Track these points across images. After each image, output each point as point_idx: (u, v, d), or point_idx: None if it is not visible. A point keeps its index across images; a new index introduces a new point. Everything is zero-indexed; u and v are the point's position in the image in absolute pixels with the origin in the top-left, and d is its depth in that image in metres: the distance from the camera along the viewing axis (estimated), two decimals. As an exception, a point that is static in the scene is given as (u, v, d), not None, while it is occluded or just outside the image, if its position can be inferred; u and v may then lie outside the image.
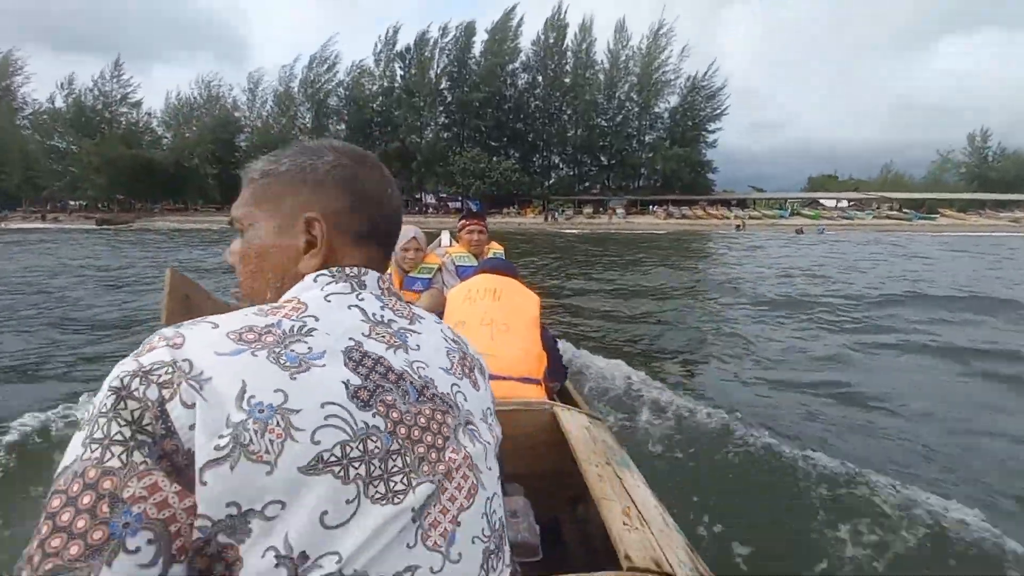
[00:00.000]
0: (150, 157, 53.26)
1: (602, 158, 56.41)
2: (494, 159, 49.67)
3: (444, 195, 54.82)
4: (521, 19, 54.82)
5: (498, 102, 54.83)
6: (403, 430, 0.49)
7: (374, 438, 0.47)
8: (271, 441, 0.41)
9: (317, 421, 0.44)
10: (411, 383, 0.53)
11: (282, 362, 0.46)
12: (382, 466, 0.46)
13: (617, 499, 1.11)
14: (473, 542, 0.51)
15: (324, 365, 0.48)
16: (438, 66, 54.51)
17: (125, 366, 0.42)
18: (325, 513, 0.42)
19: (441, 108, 55.34)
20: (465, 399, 0.59)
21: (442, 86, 54.84)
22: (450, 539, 0.49)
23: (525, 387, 1.73)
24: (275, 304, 0.54)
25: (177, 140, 55.36)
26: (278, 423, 0.42)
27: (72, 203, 57.11)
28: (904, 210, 49.69)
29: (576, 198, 54.64)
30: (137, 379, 0.41)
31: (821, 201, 54.84)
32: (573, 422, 1.51)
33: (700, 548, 1.26)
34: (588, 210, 49.76)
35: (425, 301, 2.59)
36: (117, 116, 57.69)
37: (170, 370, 0.42)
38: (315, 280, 0.56)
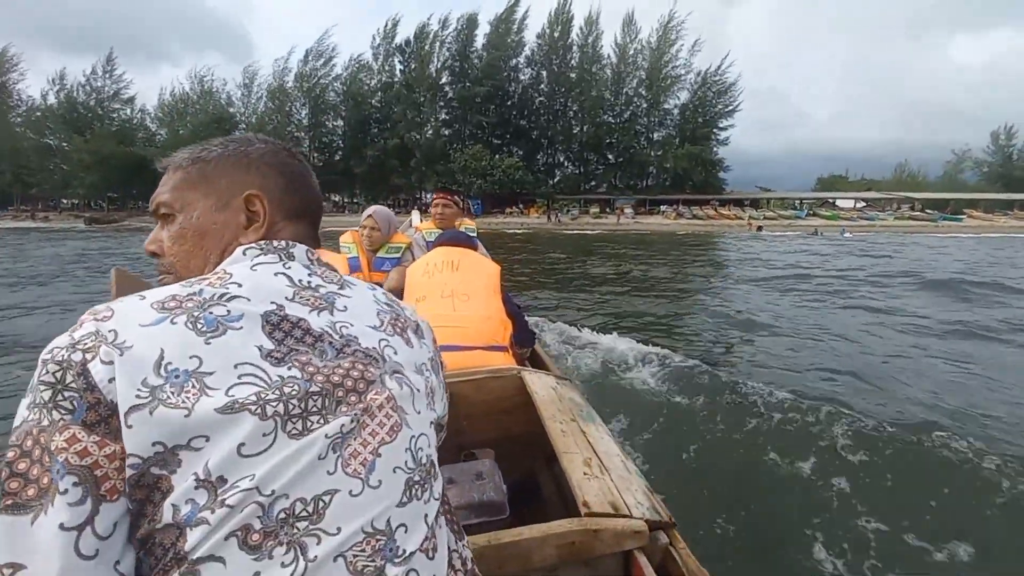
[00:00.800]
0: (142, 155, 51.56)
1: (609, 156, 54.30)
2: (496, 157, 47.70)
3: (445, 194, 52.90)
4: (526, 12, 52.97)
5: (501, 98, 52.84)
6: (321, 377, 0.53)
7: (291, 384, 0.51)
8: (187, 397, 0.46)
9: (231, 380, 0.48)
10: (330, 343, 0.57)
11: (199, 327, 0.50)
12: (301, 406, 0.50)
13: (580, 451, 1.16)
14: (395, 471, 0.55)
15: (240, 328, 0.52)
16: (439, 60, 52.58)
17: (57, 341, 0.48)
18: (243, 444, 0.47)
19: (442, 104, 53.39)
20: (395, 352, 0.63)
21: (443, 81, 52.88)
22: (370, 467, 0.53)
23: (492, 355, 1.74)
24: (202, 276, 0.57)
25: (170, 137, 53.65)
26: (193, 384, 0.47)
27: (64, 202, 55.72)
28: (927, 211, 47.34)
29: (582, 197, 52.57)
30: (64, 350, 0.47)
31: (835, 201, 52.50)
32: (540, 384, 1.56)
33: (667, 492, 1.35)
34: (595, 210, 47.69)
35: (394, 278, 2.54)
36: (109, 113, 56.15)
37: (94, 338, 0.47)
38: (244, 253, 0.60)
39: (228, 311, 0.52)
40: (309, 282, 0.61)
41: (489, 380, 1.61)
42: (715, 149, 51.57)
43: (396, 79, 53.97)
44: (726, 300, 8.51)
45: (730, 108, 51.89)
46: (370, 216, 2.81)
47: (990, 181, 59.88)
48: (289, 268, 0.61)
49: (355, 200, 58.35)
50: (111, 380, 0.46)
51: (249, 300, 0.55)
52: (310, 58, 54.23)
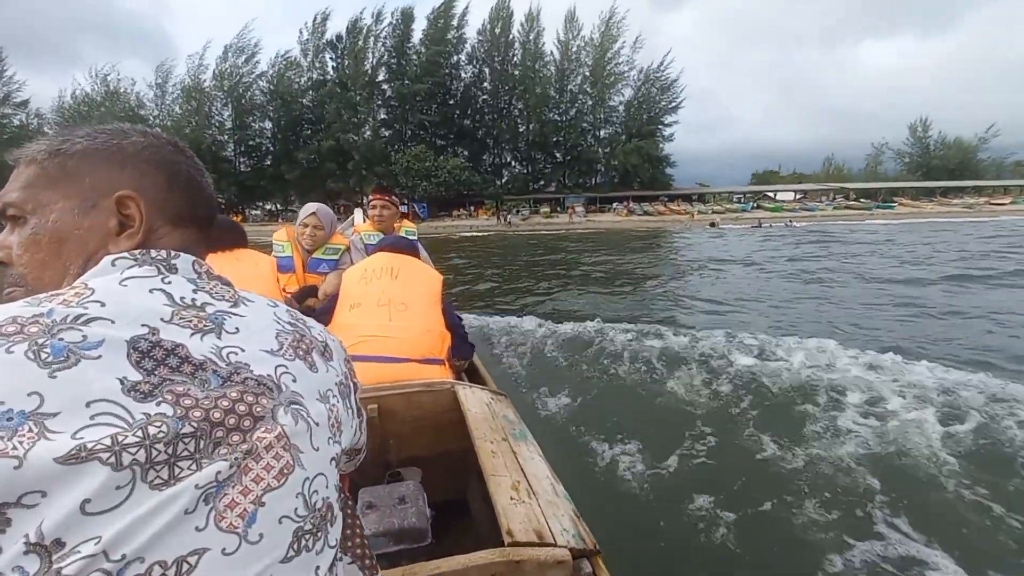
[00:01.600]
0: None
1: (557, 155, 53.20)
2: (441, 157, 45.39)
3: (388, 198, 49.96)
4: (466, 8, 50.99)
5: (443, 96, 50.60)
6: (198, 413, 0.45)
7: (158, 423, 0.43)
8: (20, 441, 0.38)
9: (81, 421, 0.40)
10: (214, 371, 0.49)
11: (43, 356, 0.41)
12: (168, 450, 0.43)
13: (508, 474, 1.14)
14: (280, 522, 0.48)
15: (99, 357, 0.43)
16: (374, 56, 49.70)
17: None
18: (88, 501, 0.39)
19: (379, 102, 50.44)
20: (294, 379, 0.55)
21: (379, 78, 50.02)
22: (250, 519, 0.46)
23: (426, 368, 1.68)
24: (54, 292, 0.48)
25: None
26: (30, 428, 0.39)
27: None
28: (861, 200, 49.22)
29: (531, 197, 51.16)
30: None
31: (775, 195, 53.77)
32: (474, 399, 1.51)
33: (595, 514, 1.30)
34: (545, 209, 46.36)
35: (332, 282, 2.41)
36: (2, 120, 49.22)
37: None
38: (113, 264, 0.51)
39: (84, 336, 0.43)
40: (193, 300, 0.52)
41: (421, 394, 1.55)
42: (661, 145, 51.58)
43: (328, 77, 50.52)
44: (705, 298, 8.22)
45: (674, 104, 52.18)
46: (313, 214, 2.61)
47: (911, 171, 63.56)
48: (169, 283, 0.52)
49: (290, 208, 54.22)
50: None
51: (113, 323, 0.46)
52: (229, 54, 49.88)
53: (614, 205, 46.95)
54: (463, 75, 52.67)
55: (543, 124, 50.59)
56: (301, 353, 0.58)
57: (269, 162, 50.66)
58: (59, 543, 0.38)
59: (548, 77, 51.32)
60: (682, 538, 2.21)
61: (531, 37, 51.82)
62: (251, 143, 51.34)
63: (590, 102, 52.40)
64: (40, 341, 0.42)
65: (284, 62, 50.73)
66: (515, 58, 52.11)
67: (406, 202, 48.05)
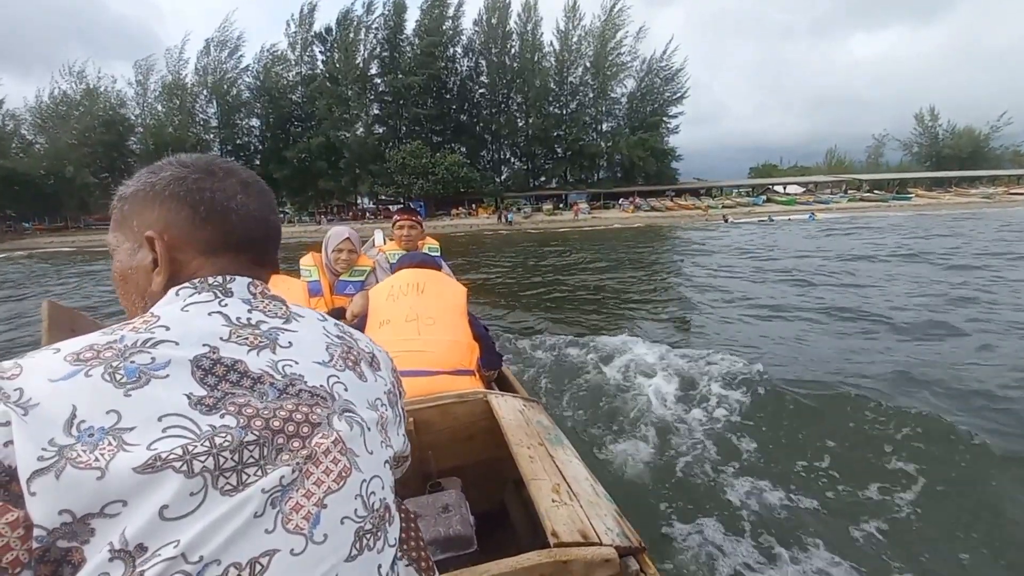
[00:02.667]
0: (10, 168, 43.04)
1: (558, 149, 51.15)
2: (437, 154, 43.28)
3: (383, 197, 47.76)
4: (460, -2, 48.71)
5: (439, 90, 48.42)
6: (259, 423, 0.49)
7: (223, 434, 0.46)
8: (101, 454, 0.41)
9: (154, 434, 0.44)
10: (271, 384, 0.52)
11: (118, 378, 0.45)
12: (235, 458, 0.46)
13: (548, 478, 1.14)
14: (342, 523, 0.51)
15: (167, 376, 0.47)
16: (365, 49, 47.51)
17: None
18: (166, 507, 0.42)
19: (372, 97, 48.23)
20: (345, 389, 0.58)
21: (371, 71, 47.85)
22: (314, 521, 0.48)
23: (458, 379, 1.70)
24: (126, 321, 0.53)
25: (51, 146, 45.22)
26: (109, 442, 0.42)
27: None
28: (875, 191, 47.49)
29: (533, 194, 49.11)
30: None
31: (785, 187, 51.95)
32: (507, 407, 1.52)
33: (637, 513, 1.37)
34: (548, 206, 44.15)
35: (359, 303, 2.41)
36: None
37: None
38: (177, 294, 0.55)
39: (152, 358, 0.48)
40: (249, 319, 0.56)
41: (454, 405, 1.57)
42: (666, 138, 49.64)
43: (318, 71, 48.30)
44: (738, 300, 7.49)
45: (678, 95, 50.13)
46: (347, 239, 2.68)
47: (919, 161, 61.90)
48: (225, 306, 0.56)
49: (282, 210, 51.99)
50: (7, 443, 0.41)
51: (177, 344, 0.50)
52: (211, 48, 47.56)
53: (620, 201, 44.90)
54: (459, 68, 50.49)
55: (544, 118, 48.46)
56: (351, 363, 0.61)
57: (258, 162, 48.39)
58: (142, 548, 0.41)
59: (547, 69, 49.17)
60: (725, 534, 2.16)
61: (529, 28, 49.64)
62: (238, 142, 49.04)
63: (591, 94, 50.35)
64: (115, 364, 0.46)
65: (270, 56, 48.49)
66: (513, 49, 49.92)
67: (402, 201, 46.05)
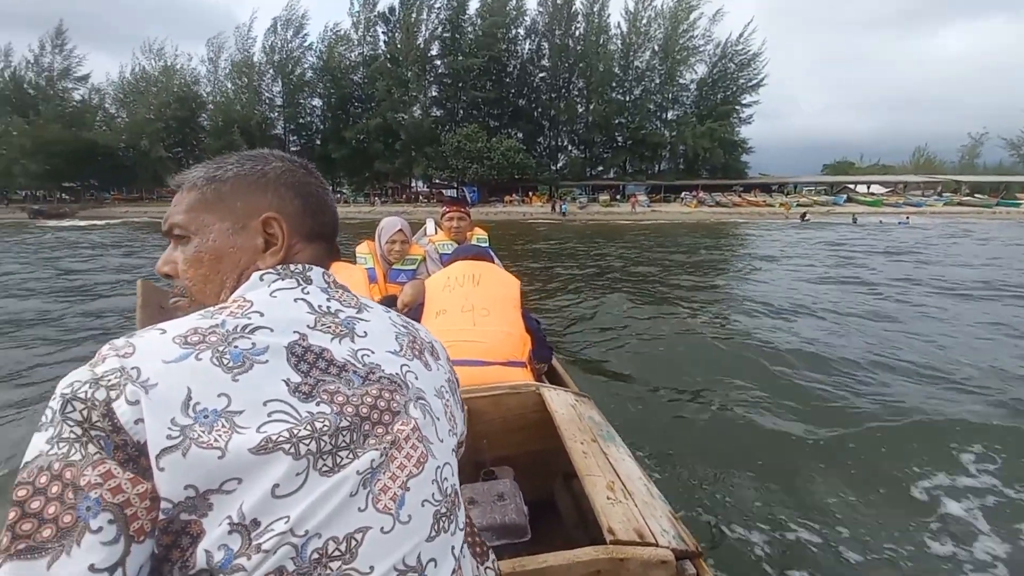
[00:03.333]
0: (92, 140, 45.63)
1: (618, 138, 48.90)
2: (493, 139, 42.23)
3: (437, 181, 47.32)
4: (527, -24, 47.05)
5: (498, 73, 47.22)
6: (350, 409, 0.52)
7: (321, 420, 0.50)
8: (219, 435, 0.45)
9: (261, 418, 0.47)
10: (354, 371, 0.56)
11: (225, 362, 0.48)
12: (332, 442, 0.49)
13: (602, 474, 1.15)
14: (423, 505, 0.54)
15: (267, 361, 0.50)
16: (427, 29, 46.74)
17: (77, 375, 0.46)
18: (277, 486, 0.45)
19: (431, 79, 47.63)
20: (416, 378, 0.61)
21: (432, 52, 47.13)
22: (400, 502, 0.52)
23: (511, 370, 1.71)
24: (221, 305, 0.56)
25: (131, 120, 47.64)
26: (223, 424, 0.45)
27: (20, 193, 49.71)
28: (976, 195, 42.45)
29: (589, 183, 47.21)
30: (87, 386, 0.45)
31: (869, 187, 47.37)
32: (559, 401, 1.53)
33: (689, 516, 1.29)
34: (604, 197, 42.26)
35: (409, 292, 2.37)
36: (60, 93, 49.83)
37: (118, 374, 0.45)
38: (261, 279, 0.58)
39: (253, 344, 0.51)
40: (328, 307, 0.60)
41: (507, 396, 1.58)
42: (737, 128, 46.30)
43: (379, 51, 48.17)
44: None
45: (754, 82, 46.48)
46: (400, 230, 2.77)
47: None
48: (308, 293, 0.59)
49: (338, 190, 52.72)
50: (138, 421, 0.44)
51: (272, 331, 0.53)
52: (278, 26, 48.28)
53: (682, 195, 42.33)
54: (520, 50, 48.95)
55: (606, 104, 46.23)
56: (417, 353, 0.65)
57: (319, 141, 49.15)
58: (256, 523, 0.44)
59: (612, 52, 46.82)
60: (784, 545, 2.09)
61: (596, 8, 47.32)
62: (301, 121, 49.93)
63: (658, 80, 47.62)
64: (220, 349, 0.49)
65: (334, 36, 48.79)
66: (577, 31, 47.80)
67: (455, 186, 45.51)
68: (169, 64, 50.43)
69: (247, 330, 0.51)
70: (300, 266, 0.61)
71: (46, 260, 12.26)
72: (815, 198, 41.36)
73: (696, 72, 47.58)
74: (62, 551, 0.40)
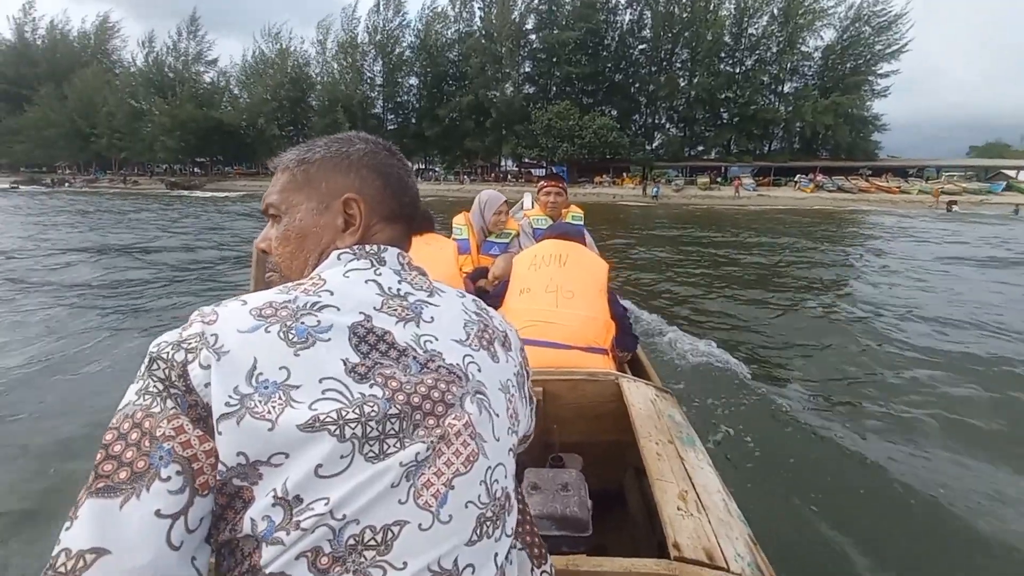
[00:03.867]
0: (219, 118, 50.40)
1: (723, 114, 44.91)
2: (586, 116, 40.54)
3: (526, 160, 46.60)
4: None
5: (595, 46, 45.08)
6: (402, 397, 0.52)
7: (371, 404, 0.50)
8: (272, 407, 0.47)
9: (315, 395, 0.48)
10: (414, 357, 0.56)
11: (290, 337, 0.50)
12: (379, 428, 0.50)
13: (675, 480, 1.08)
14: (466, 507, 0.53)
15: (329, 339, 0.52)
16: (523, 2, 45.54)
17: (167, 336, 0.50)
18: (320, 465, 0.46)
19: (525, 53, 46.60)
20: (479, 370, 0.60)
21: (527, 26, 45.97)
22: (442, 500, 0.51)
23: (590, 356, 1.66)
24: (299, 281, 0.58)
25: (252, 100, 52.05)
26: (280, 396, 0.48)
27: (160, 167, 56.71)
28: None
29: (687, 164, 43.99)
30: (171, 347, 0.49)
31: (1003, 171, 39.21)
32: (638, 394, 1.47)
33: (772, 543, 1.18)
34: (704, 179, 38.94)
35: (500, 266, 2.42)
36: (194, 76, 55.59)
37: (199, 339, 0.49)
38: (339, 258, 0.60)
39: (319, 321, 0.52)
40: (398, 289, 0.61)
41: (584, 383, 1.54)
42: (868, 102, 40.51)
43: (475, 27, 47.89)
44: None
45: (894, 48, 40.09)
46: (505, 202, 2.83)
47: None
48: (380, 275, 0.61)
49: (429, 167, 53.91)
50: (207, 384, 0.47)
51: (339, 310, 0.54)
52: (380, 6, 49.59)
53: (797, 178, 37.90)
54: (620, 21, 46.28)
55: (715, 75, 42.43)
56: (485, 343, 0.64)
57: (414, 120, 50.39)
58: (298, 499, 0.46)
59: (724, 18, 42.59)
60: None
61: (707, -30, 43.27)
62: (399, 100, 51.40)
63: (775, 48, 42.72)
64: (288, 324, 0.51)
65: (431, 13, 49.25)
66: (684, -2, 44.13)
67: (544, 165, 44.58)
68: (284, 47, 54.00)
69: (315, 307, 0.53)
70: (376, 247, 0.62)
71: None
72: (964, 184, 35.09)
73: (822, 38, 42.17)
74: (133, 494, 0.43)
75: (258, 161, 54.80)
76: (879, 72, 40.85)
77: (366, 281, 0.59)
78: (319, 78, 52.42)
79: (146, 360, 0.49)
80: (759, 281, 7.59)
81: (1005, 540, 2.11)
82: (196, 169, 57.11)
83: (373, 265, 0.61)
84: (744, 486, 2.28)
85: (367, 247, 0.62)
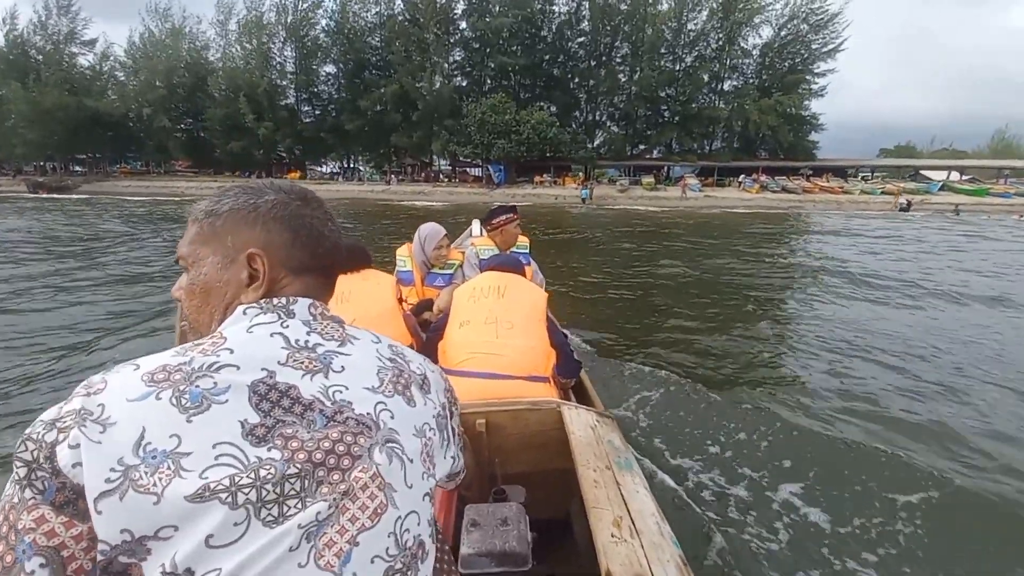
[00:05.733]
0: (95, 107, 42.63)
1: (664, 112, 43.02)
2: (523, 112, 37.16)
3: (462, 159, 42.52)
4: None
5: (532, 37, 41.84)
6: (303, 455, 0.51)
7: (268, 467, 0.49)
8: (159, 479, 0.45)
9: (207, 461, 0.47)
10: (320, 411, 0.54)
11: (183, 403, 0.48)
12: (276, 490, 0.48)
13: (610, 507, 1.11)
14: (372, 562, 0.52)
15: (226, 401, 0.50)
16: (451, -15, 41.50)
17: (44, 415, 0.48)
18: (211, 536, 0.45)
19: (454, 40, 42.57)
20: (392, 416, 0.59)
21: (456, 12, 41.99)
22: (344, 559, 0.50)
23: (532, 385, 1.69)
24: (198, 341, 0.57)
25: (140, 88, 44.33)
26: (168, 466, 0.46)
27: (28, 167, 47.57)
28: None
29: (630, 163, 41.69)
30: (43, 427, 0.47)
31: (922, 173, 40.19)
32: (578, 421, 1.50)
33: (705, 561, 1.18)
34: (648, 179, 36.64)
35: (444, 298, 2.47)
36: (66, 57, 46.80)
37: (74, 417, 0.47)
38: (244, 312, 0.59)
39: (215, 383, 0.51)
40: (306, 341, 0.59)
41: (527, 412, 1.56)
42: (807, 102, 39.83)
43: (398, 11, 43.23)
44: None
45: (831, 47, 39.62)
46: (445, 236, 2.79)
47: None
48: (287, 327, 0.59)
49: (353, 165, 48.63)
50: (76, 465, 0.45)
51: (239, 368, 0.53)
52: (291, -18, 43.76)
53: (741, 178, 36.37)
54: (557, 10, 43.24)
55: (658, 72, 40.18)
56: (400, 388, 0.62)
57: (334, 112, 44.99)
58: (189, 572, 0.44)
59: (664, 14, 40.57)
60: None
61: (645, -39, 41.12)
62: (314, 89, 45.81)
63: (715, 44, 41.28)
64: (182, 388, 0.49)
65: (349, -8, 43.96)
66: (623, -11, 41.73)
67: (480, 163, 40.81)
68: (177, 26, 46.76)
69: (212, 368, 0.51)
70: (285, 299, 0.61)
71: None
72: (901, 184, 34.85)
73: (760, 36, 41.07)
74: None
75: (146, 157, 47.36)
76: (816, 71, 40.29)
77: (271, 335, 0.57)
78: (219, 63, 45.64)
79: (18, 444, 0.47)
80: (709, 294, 7.14)
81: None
82: (78, 168, 48.64)
83: (280, 318, 0.59)
84: (681, 508, 2.29)
85: (275, 300, 0.60)
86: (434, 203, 29.64)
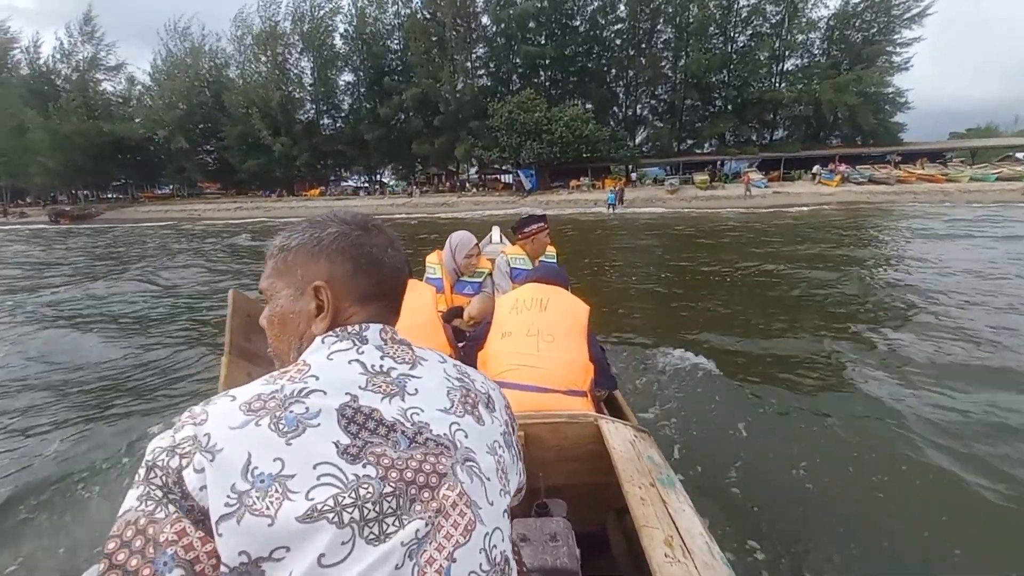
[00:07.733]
0: (113, 131, 41.58)
1: (716, 101, 38.03)
2: (555, 108, 33.17)
3: (486, 162, 38.81)
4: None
5: (561, 26, 37.90)
6: (395, 474, 0.53)
7: (366, 485, 0.51)
8: (271, 502, 0.48)
9: (311, 482, 0.50)
10: (402, 432, 0.57)
11: (281, 427, 0.52)
12: (376, 508, 0.51)
13: (660, 527, 1.11)
14: None
15: (319, 425, 0.53)
16: (473, -24, 38.03)
17: (160, 441, 0.52)
18: (323, 555, 0.47)
19: (476, 35, 39.04)
20: (466, 436, 0.62)
21: (477, 4, 38.46)
22: (445, 574, 0.52)
23: (570, 399, 1.71)
24: (284, 369, 0.60)
25: (163, 110, 43.00)
26: (276, 489, 0.48)
27: (58, 195, 47.43)
28: None
29: (679, 160, 36.80)
30: (165, 453, 0.50)
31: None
32: (617, 436, 1.51)
33: None
34: (701, 177, 31.71)
35: (476, 307, 2.56)
36: (91, 83, 46.26)
37: (191, 443, 0.50)
38: (323, 341, 0.62)
39: (307, 408, 0.54)
40: (381, 366, 0.62)
41: (565, 425, 1.58)
42: (889, 77, 33.92)
43: (414, 7, 40.12)
44: None
45: (916, 10, 33.47)
46: (476, 244, 2.82)
47: None
48: (362, 353, 0.62)
49: (376, 176, 45.89)
50: (202, 488, 0.48)
51: (326, 393, 0.56)
52: (307, -8, 41.49)
53: (815, 169, 30.86)
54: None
55: (706, 54, 35.37)
56: (469, 407, 0.65)
57: (353, 122, 42.36)
58: None
59: (712, -12, 35.75)
60: None
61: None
62: (333, 100, 43.45)
63: (773, 20, 36.01)
64: (278, 414, 0.52)
65: (365, -4, 41.28)
66: (664, -33, 37.10)
67: (508, 169, 37.05)
68: (196, 45, 45.50)
69: (302, 394, 0.55)
70: (357, 327, 0.64)
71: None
72: (1019, 168, 28.55)
73: (827, 4, 35.44)
74: None
75: (167, 181, 46.26)
76: (898, 40, 34.29)
77: (349, 361, 0.60)
78: (240, 80, 43.93)
79: (143, 468, 0.50)
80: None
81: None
82: (109, 194, 48.21)
83: (355, 344, 0.62)
84: (724, 526, 2.20)
85: (349, 328, 0.63)
86: (459, 215, 25.93)
